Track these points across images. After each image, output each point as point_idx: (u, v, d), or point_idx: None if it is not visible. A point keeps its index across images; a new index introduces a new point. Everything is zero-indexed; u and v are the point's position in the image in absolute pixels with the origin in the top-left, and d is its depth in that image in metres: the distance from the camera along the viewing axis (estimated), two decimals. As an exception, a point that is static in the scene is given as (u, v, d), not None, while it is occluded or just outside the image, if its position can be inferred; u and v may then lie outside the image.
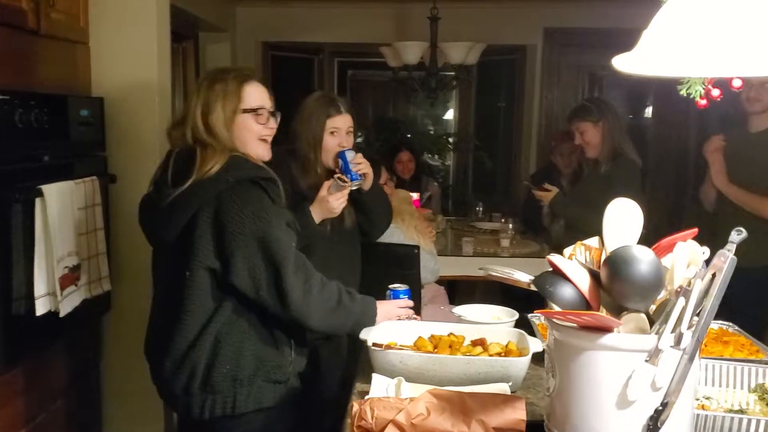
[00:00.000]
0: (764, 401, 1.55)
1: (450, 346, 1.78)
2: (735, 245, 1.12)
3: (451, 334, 1.86)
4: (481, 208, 4.91)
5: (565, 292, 1.23)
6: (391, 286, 2.09)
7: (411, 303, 2.05)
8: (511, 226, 4.23)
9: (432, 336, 1.85)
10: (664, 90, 5.20)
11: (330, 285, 1.85)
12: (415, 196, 3.82)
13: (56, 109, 2.43)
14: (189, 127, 1.84)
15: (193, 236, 1.76)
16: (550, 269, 1.28)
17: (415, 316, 2.10)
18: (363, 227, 2.57)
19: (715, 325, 2.01)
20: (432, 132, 6.86)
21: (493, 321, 2.06)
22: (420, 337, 1.84)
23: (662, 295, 1.21)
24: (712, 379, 1.64)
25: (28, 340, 2.30)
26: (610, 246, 1.27)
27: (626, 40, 1.22)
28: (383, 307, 1.96)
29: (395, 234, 2.99)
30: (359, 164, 2.38)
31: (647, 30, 1.10)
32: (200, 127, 1.82)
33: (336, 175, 2.33)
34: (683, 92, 1.41)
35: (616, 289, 1.19)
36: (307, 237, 2.28)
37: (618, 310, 1.22)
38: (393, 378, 1.62)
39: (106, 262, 2.66)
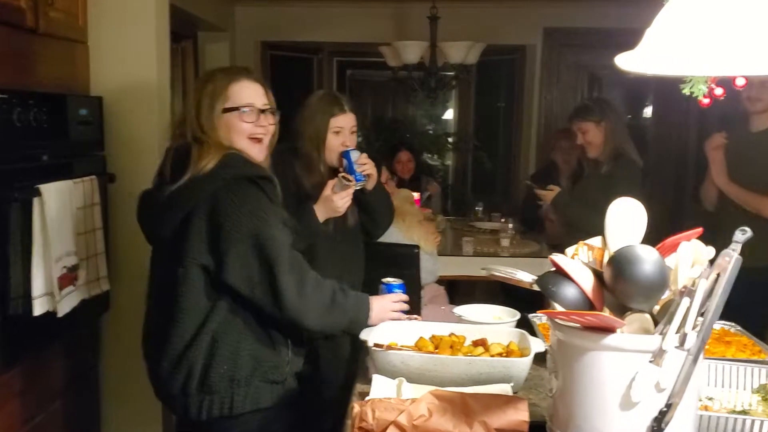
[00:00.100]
0: (767, 402, 1.54)
1: (451, 347, 1.77)
2: (740, 245, 1.11)
3: (452, 334, 1.85)
4: (480, 208, 4.91)
5: (568, 292, 1.22)
6: (384, 280, 2.06)
7: (405, 297, 2.02)
8: (510, 225, 4.22)
9: (433, 336, 1.84)
10: (664, 90, 5.20)
11: (324, 284, 1.83)
12: (415, 195, 3.81)
13: (55, 108, 2.42)
14: (188, 126, 1.85)
15: (187, 233, 1.75)
16: (553, 269, 1.27)
17: (414, 316, 2.09)
18: (366, 226, 2.57)
19: (717, 325, 2.00)
20: (431, 132, 6.84)
21: (494, 321, 2.05)
22: (421, 337, 1.83)
23: (666, 295, 1.20)
24: (714, 379, 1.64)
25: (26, 341, 2.29)
26: (613, 246, 1.26)
27: (626, 40, 1.22)
28: (377, 302, 1.94)
29: (394, 234, 2.98)
30: (364, 165, 2.37)
31: (650, 28, 1.09)
32: (195, 127, 1.84)
33: (340, 174, 2.32)
34: (686, 91, 1.40)
35: (620, 289, 1.18)
36: (311, 236, 2.28)
37: (622, 311, 1.21)
38: (394, 379, 1.61)
39: (105, 261, 2.65)
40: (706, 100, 1.41)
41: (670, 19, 1.06)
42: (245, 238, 1.72)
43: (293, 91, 5.54)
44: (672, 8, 1.06)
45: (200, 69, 4.88)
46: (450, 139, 6.35)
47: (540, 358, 1.72)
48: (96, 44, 2.84)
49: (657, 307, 1.22)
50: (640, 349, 1.14)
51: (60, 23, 2.56)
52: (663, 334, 1.13)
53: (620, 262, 1.17)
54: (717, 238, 1.23)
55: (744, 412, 1.48)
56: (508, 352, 1.76)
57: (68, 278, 2.37)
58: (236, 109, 1.84)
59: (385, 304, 1.96)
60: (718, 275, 1.12)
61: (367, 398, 1.47)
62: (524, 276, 1.37)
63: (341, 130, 2.40)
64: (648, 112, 5.81)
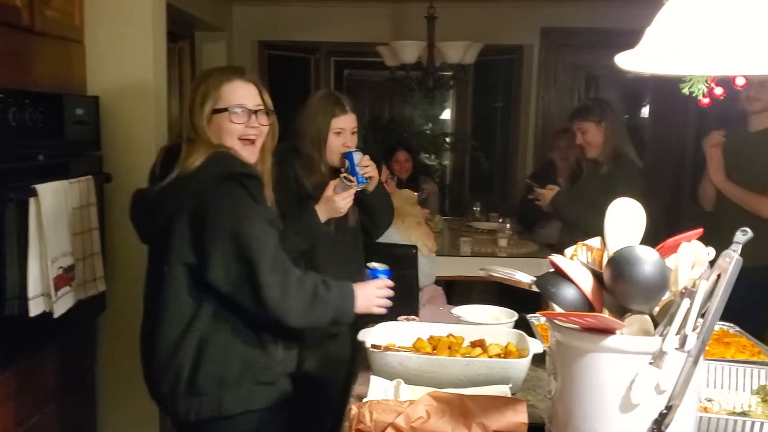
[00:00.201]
0: (767, 403, 1.53)
1: (449, 348, 1.76)
2: (740, 246, 1.11)
3: (450, 335, 1.84)
4: (478, 208, 4.90)
5: (568, 293, 1.21)
6: (369, 265, 2.04)
7: (390, 283, 2.00)
8: (508, 226, 4.22)
9: (431, 337, 1.83)
10: (662, 90, 5.20)
11: (307, 279, 1.80)
12: (413, 195, 3.80)
13: (51, 107, 2.41)
14: (183, 127, 1.86)
15: (172, 231, 1.76)
16: (552, 270, 1.26)
17: (412, 317, 2.08)
18: (365, 226, 2.56)
19: (717, 326, 1.98)
20: (429, 132, 6.83)
21: (492, 322, 2.04)
22: (419, 338, 1.82)
23: (666, 297, 1.19)
24: (714, 380, 1.63)
25: (22, 341, 2.28)
26: (612, 246, 1.25)
27: (624, 40, 1.21)
28: (361, 290, 1.91)
29: (393, 234, 2.97)
30: (366, 167, 2.37)
31: (650, 28, 1.08)
32: (189, 127, 1.84)
33: (342, 175, 2.32)
34: (686, 90, 1.39)
35: (620, 290, 1.17)
36: (313, 236, 2.27)
37: (621, 312, 1.20)
38: (392, 380, 1.60)
39: (101, 262, 2.64)
40: (706, 100, 1.40)
41: (670, 18, 1.05)
42: (226, 237, 1.71)
43: (291, 91, 5.56)
44: (672, 7, 1.05)
45: (197, 69, 4.86)
46: (447, 139, 6.34)
47: (538, 359, 1.71)
48: (92, 43, 2.83)
49: (657, 309, 1.21)
50: (640, 351, 1.13)
51: (56, 22, 2.55)
52: (663, 335, 1.12)
53: (620, 263, 1.17)
54: (715, 238, 1.22)
55: (744, 414, 1.47)
56: (506, 353, 1.75)
57: (64, 279, 2.35)
58: (225, 110, 1.83)
59: (370, 291, 1.93)
60: (719, 276, 1.11)
61: (364, 400, 1.46)
62: (523, 277, 1.36)
63: (342, 131, 2.39)
64: (645, 112, 5.80)
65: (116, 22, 2.84)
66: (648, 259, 1.15)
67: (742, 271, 1.10)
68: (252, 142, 1.87)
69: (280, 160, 2.35)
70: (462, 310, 2.11)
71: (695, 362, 1.11)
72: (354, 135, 2.43)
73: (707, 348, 1.82)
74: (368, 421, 1.35)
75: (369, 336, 1.78)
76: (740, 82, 1.41)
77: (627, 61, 1.10)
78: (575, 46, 5.49)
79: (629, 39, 1.18)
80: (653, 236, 1.27)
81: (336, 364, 2.43)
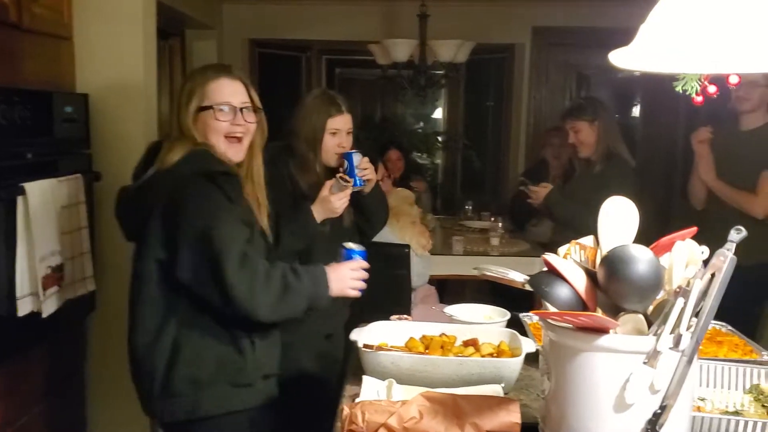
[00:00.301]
0: (759, 402, 1.53)
1: (442, 347, 1.75)
2: (735, 244, 1.10)
3: (443, 334, 1.83)
4: (470, 207, 4.90)
5: (561, 292, 1.20)
6: (344, 244, 1.99)
7: (365, 264, 1.95)
8: (500, 224, 4.22)
9: (423, 336, 1.82)
10: (653, 89, 5.21)
11: (275, 273, 1.75)
12: (405, 194, 3.79)
13: (40, 105, 2.39)
14: (171, 125, 1.87)
15: (146, 228, 1.76)
16: (546, 269, 1.25)
17: (404, 316, 2.07)
18: (360, 227, 2.55)
19: (709, 325, 1.99)
20: (420, 131, 6.83)
21: (484, 321, 2.04)
22: (411, 337, 1.81)
23: (660, 296, 1.19)
24: (706, 379, 1.63)
25: (9, 342, 2.26)
26: (606, 245, 1.25)
27: (615, 40, 1.21)
28: (334, 273, 1.87)
29: (387, 234, 2.96)
30: (365, 170, 2.36)
31: (644, 25, 1.08)
32: (176, 125, 1.84)
33: (338, 175, 2.30)
34: (679, 89, 1.38)
35: (614, 289, 1.17)
36: (309, 236, 2.25)
37: (615, 311, 1.19)
38: (384, 380, 1.59)
39: (91, 261, 2.61)
40: (699, 98, 1.39)
41: (663, 16, 1.05)
42: (194, 235, 1.69)
43: (281, 90, 5.54)
44: (666, 5, 1.05)
45: (188, 67, 4.84)
46: (439, 138, 6.34)
47: (531, 358, 1.70)
48: (82, 41, 2.80)
49: (651, 308, 1.20)
50: (634, 350, 1.12)
51: (44, 19, 2.52)
52: (657, 335, 1.12)
53: (614, 262, 1.16)
54: (706, 236, 1.22)
55: (737, 413, 1.47)
56: (498, 352, 1.74)
57: (53, 278, 2.33)
58: (210, 107, 1.82)
59: (344, 273, 1.89)
60: (713, 275, 1.11)
61: (357, 400, 1.45)
62: (516, 276, 1.35)
63: (338, 132, 2.38)
64: (636, 111, 5.82)
65: (106, 19, 2.81)
66: (642, 257, 1.14)
67: (734, 270, 1.10)
68: (239, 139, 1.85)
69: (274, 160, 2.34)
70: (454, 309, 2.10)
71: (689, 362, 1.11)
72: (349, 135, 2.42)
73: (700, 347, 1.83)
74: (360, 421, 1.34)
75: (361, 335, 1.77)
76: (734, 80, 1.40)
77: (621, 58, 1.09)
78: (567, 45, 5.49)
79: (621, 38, 1.18)
80: (644, 235, 1.27)
81: (331, 363, 2.42)
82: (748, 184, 2.96)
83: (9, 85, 2.26)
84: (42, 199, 2.26)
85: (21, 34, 2.36)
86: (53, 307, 2.34)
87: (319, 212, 2.28)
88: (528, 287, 1.30)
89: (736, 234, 1.11)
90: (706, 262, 1.15)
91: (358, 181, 2.33)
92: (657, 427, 1.11)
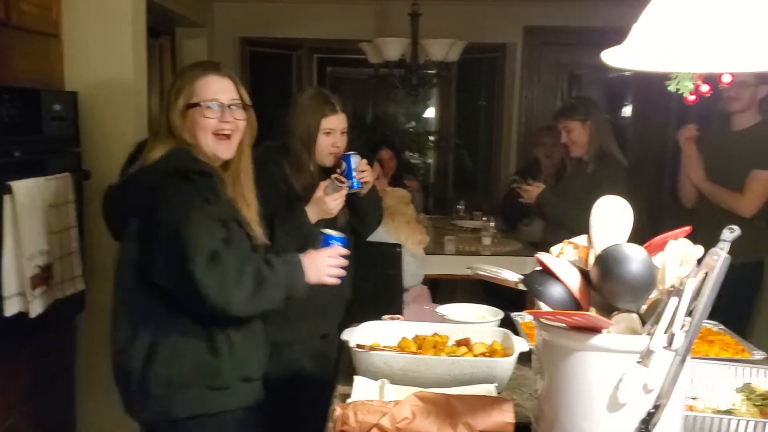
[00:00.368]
0: (751, 401, 1.53)
1: (434, 347, 1.75)
2: (728, 243, 1.10)
3: (436, 334, 1.82)
4: (462, 207, 4.89)
5: (555, 291, 1.20)
6: (323, 231, 1.97)
7: (343, 251, 1.92)
8: (492, 224, 4.21)
9: (416, 336, 1.81)
10: (644, 89, 5.22)
11: (248, 268, 1.72)
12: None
13: (28, 103, 2.37)
14: (161, 122, 1.85)
15: (125, 227, 1.76)
16: (539, 268, 1.24)
17: (397, 316, 2.06)
18: (354, 227, 2.55)
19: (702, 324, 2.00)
20: (412, 130, 6.82)
21: (477, 320, 2.03)
22: (404, 337, 1.80)
23: (654, 295, 1.18)
24: (698, 379, 1.63)
25: (-3, 342, 2.23)
26: (599, 244, 1.24)
27: (606, 39, 1.21)
28: (310, 261, 1.83)
29: (381, 233, 2.95)
30: (363, 172, 2.35)
31: (637, 24, 1.08)
32: (164, 123, 1.82)
33: (333, 176, 2.29)
34: (672, 88, 1.38)
35: (607, 289, 1.16)
36: (303, 237, 2.23)
37: (608, 310, 1.19)
38: (376, 380, 1.58)
39: (80, 260, 2.59)
40: (692, 98, 1.39)
41: (656, 15, 1.04)
42: (165, 234, 1.67)
43: (272, 88, 5.52)
44: (659, 4, 1.04)
45: (178, 65, 4.81)
46: (431, 137, 6.33)
47: (523, 358, 1.70)
48: (70, 38, 2.78)
49: (644, 307, 1.20)
50: (628, 350, 1.12)
51: (33, 16, 2.50)
52: (650, 334, 1.11)
53: (608, 261, 1.16)
54: (697, 235, 1.22)
55: (728, 412, 1.47)
56: (491, 352, 1.74)
57: (41, 278, 2.31)
58: (198, 104, 1.80)
59: (320, 261, 1.86)
60: (706, 274, 1.10)
61: (349, 400, 1.44)
62: (510, 275, 1.34)
63: (332, 131, 2.36)
64: (627, 111, 5.83)
65: (95, 17, 2.79)
66: (636, 257, 1.14)
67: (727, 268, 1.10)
68: (228, 136, 1.83)
69: (268, 160, 2.33)
70: (447, 309, 2.09)
71: (682, 361, 1.10)
72: (344, 135, 2.41)
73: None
74: (353, 422, 1.33)
75: (353, 335, 1.76)
76: (726, 79, 1.40)
77: (614, 57, 1.09)
78: (558, 45, 5.49)
79: (612, 38, 1.17)
80: (636, 235, 1.27)
81: (327, 363, 2.41)
82: (739, 184, 2.97)
83: (-4, 83, 2.25)
84: (30, 198, 2.24)
85: (9, 31, 2.34)
86: (41, 307, 2.32)
87: (313, 213, 2.27)
88: (521, 286, 1.29)
89: (730, 233, 1.11)
90: (699, 261, 1.15)
91: (355, 184, 2.33)
92: (650, 427, 1.10)
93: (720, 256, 1.09)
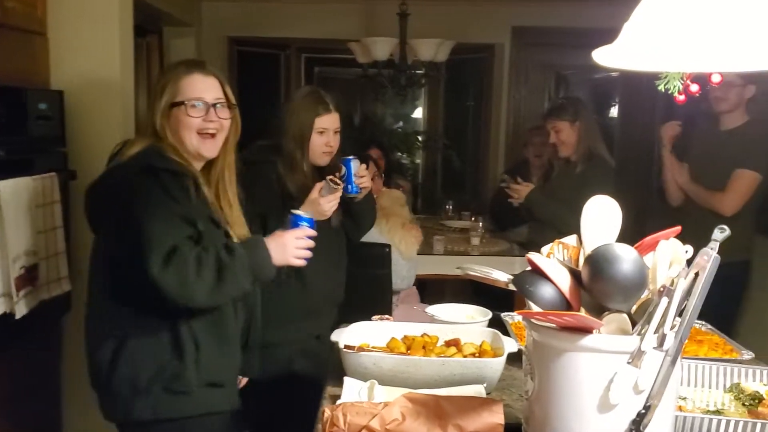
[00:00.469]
0: (740, 401, 1.54)
1: (423, 347, 1.74)
2: (718, 243, 1.10)
3: (425, 334, 1.82)
4: (450, 207, 4.89)
5: (545, 291, 1.19)
6: (292, 211, 1.93)
7: (311, 232, 1.88)
8: (481, 224, 4.22)
9: (405, 337, 1.80)
10: (631, 89, 5.25)
11: (206, 257, 1.68)
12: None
13: (13, 102, 2.34)
14: (148, 121, 1.84)
15: (99, 225, 1.78)
16: (529, 268, 1.24)
17: (386, 316, 2.06)
18: (347, 229, 2.54)
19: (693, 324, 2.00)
20: (401, 130, 6.81)
21: (466, 320, 2.03)
22: (393, 338, 1.79)
23: (644, 295, 1.18)
24: (687, 378, 1.63)
25: (-18, 344, 2.21)
26: (589, 244, 1.24)
27: (593, 40, 1.20)
28: (274, 242, 1.79)
29: (375, 235, 2.93)
30: (362, 178, 2.35)
31: (627, 23, 1.07)
32: (149, 122, 1.81)
33: (328, 177, 2.28)
34: (661, 87, 1.38)
35: (598, 289, 1.16)
36: None
37: (599, 311, 1.19)
38: (366, 381, 1.58)
39: (66, 261, 2.56)
40: (681, 97, 1.39)
41: (647, 14, 1.04)
42: (130, 230, 1.66)
43: (261, 88, 5.49)
44: (649, 3, 1.04)
45: (165, 64, 4.78)
46: (419, 138, 6.33)
47: (513, 358, 1.70)
48: (56, 36, 2.75)
49: (634, 307, 1.20)
50: (619, 350, 1.12)
51: (17, 14, 2.47)
52: (641, 334, 1.11)
53: (598, 261, 1.15)
54: (685, 234, 1.22)
55: (718, 412, 1.47)
56: (480, 352, 1.73)
57: (26, 278, 2.29)
58: (182, 103, 1.78)
59: (286, 242, 1.81)
60: (697, 274, 1.10)
61: (338, 402, 1.43)
62: (500, 275, 1.34)
63: (325, 131, 2.36)
64: (614, 111, 5.85)
65: (81, 15, 2.76)
66: (627, 257, 1.14)
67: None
68: (212, 136, 1.82)
69: (261, 160, 2.32)
70: (436, 309, 2.09)
71: (673, 361, 1.10)
72: (337, 135, 2.40)
73: (681, 346, 1.84)
74: (342, 424, 1.32)
75: (342, 336, 1.75)
76: (716, 79, 1.40)
77: (605, 57, 1.09)
78: (546, 46, 5.51)
79: (599, 38, 1.17)
80: (623, 235, 1.27)
81: (321, 364, 2.40)
82: (723, 184, 3.00)
83: (-19, 82, 2.22)
84: (15, 198, 2.21)
85: (-7, 29, 2.31)
86: (27, 308, 2.30)
87: (307, 214, 2.26)
88: (512, 287, 1.29)
89: (720, 233, 1.11)
90: (689, 262, 1.15)
91: (354, 189, 2.33)
92: (641, 428, 1.10)
93: (710, 256, 1.09)
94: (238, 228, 1.87)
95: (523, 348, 1.40)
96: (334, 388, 1.66)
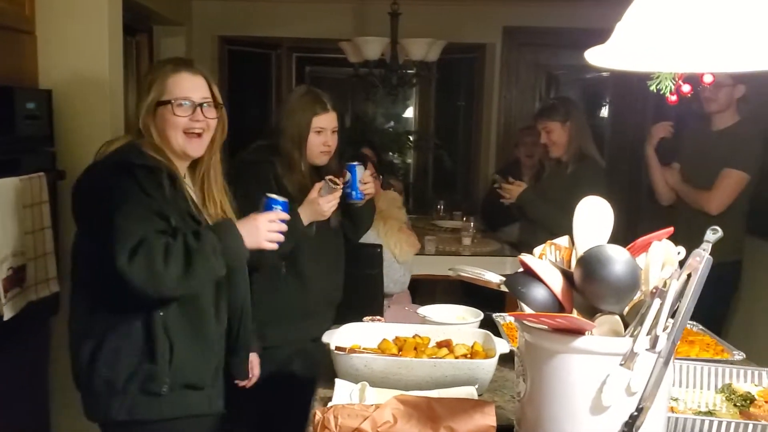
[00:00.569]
0: (732, 402, 1.53)
1: (415, 349, 1.73)
2: (710, 245, 1.10)
3: (416, 335, 1.81)
4: (441, 207, 4.89)
5: (538, 293, 1.19)
6: (267, 194, 1.89)
7: (284, 215, 1.83)
8: (472, 224, 4.21)
9: (397, 338, 1.79)
10: (621, 90, 5.26)
11: (174, 245, 1.65)
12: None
13: (1, 101, 2.32)
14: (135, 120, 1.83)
15: (78, 222, 1.78)
16: (522, 269, 1.23)
17: (377, 318, 2.05)
18: (345, 230, 2.53)
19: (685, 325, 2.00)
20: (392, 130, 6.80)
21: (458, 321, 2.02)
22: (384, 339, 1.78)
23: (637, 297, 1.18)
24: (679, 379, 1.63)
25: (-31, 345, 2.19)
26: (581, 245, 1.24)
27: (584, 40, 1.20)
28: (246, 226, 1.76)
29: (371, 237, 2.92)
30: (366, 184, 2.35)
31: (620, 23, 1.07)
32: (135, 120, 1.81)
33: (327, 177, 2.27)
34: (653, 88, 1.38)
35: (591, 290, 1.16)
36: (296, 238, 2.21)
37: (591, 312, 1.18)
38: (357, 383, 1.57)
39: (54, 262, 2.54)
40: (673, 98, 1.39)
41: (640, 14, 1.04)
42: (101, 227, 1.65)
43: (251, 87, 5.47)
44: (642, 3, 1.04)
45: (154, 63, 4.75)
46: (411, 138, 6.32)
47: (505, 359, 1.69)
48: (44, 35, 2.72)
49: (627, 309, 1.20)
50: (611, 352, 1.11)
51: (5, 12, 2.45)
52: (634, 336, 1.11)
53: (591, 263, 1.15)
54: (676, 234, 1.22)
55: (710, 413, 1.47)
56: (472, 353, 1.73)
57: (14, 280, 2.26)
58: (169, 102, 1.77)
59: (258, 225, 1.77)
60: (689, 276, 1.10)
61: (329, 404, 1.42)
62: (492, 277, 1.33)
63: (323, 130, 2.35)
64: (605, 112, 5.87)
65: (70, 13, 2.74)
66: (619, 258, 1.13)
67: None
68: (199, 135, 1.80)
69: (259, 160, 2.31)
70: (428, 310, 2.08)
71: (666, 363, 1.10)
72: (334, 134, 2.39)
73: (673, 347, 1.83)
74: (333, 426, 1.31)
75: (333, 337, 1.74)
76: (708, 79, 1.40)
77: (597, 57, 1.08)
78: (537, 46, 5.52)
79: (590, 39, 1.17)
80: (614, 235, 1.26)
81: (317, 366, 2.39)
82: (711, 183, 3.01)
83: (-32, 80, 2.20)
84: (3, 198, 2.20)
85: (-20, 27, 2.29)
86: (15, 309, 2.27)
87: (306, 214, 2.25)
88: (504, 288, 1.28)
89: (712, 234, 1.11)
90: (681, 263, 1.14)
91: (359, 195, 2.33)
92: (634, 430, 1.10)
93: (703, 257, 1.09)
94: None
95: (515, 349, 1.39)
96: (326, 390, 1.65)
